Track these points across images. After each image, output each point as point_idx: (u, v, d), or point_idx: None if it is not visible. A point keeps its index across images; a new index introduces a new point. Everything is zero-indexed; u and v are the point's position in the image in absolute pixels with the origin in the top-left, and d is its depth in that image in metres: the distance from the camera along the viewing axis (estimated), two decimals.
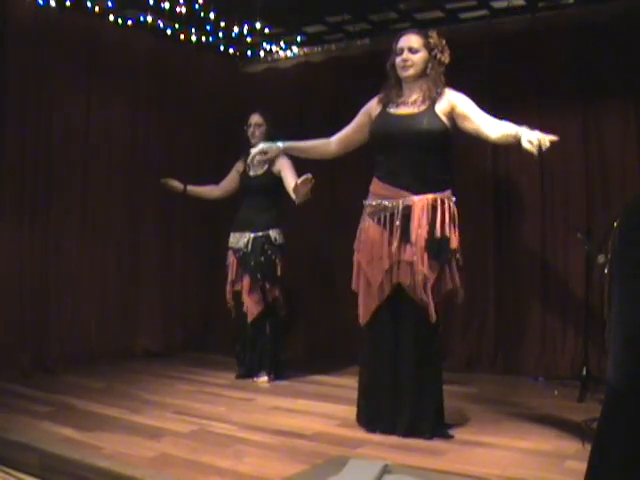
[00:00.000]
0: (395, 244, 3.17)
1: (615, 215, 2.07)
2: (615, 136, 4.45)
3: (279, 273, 4.49)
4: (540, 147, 2.86)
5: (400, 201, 3.18)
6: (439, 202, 3.16)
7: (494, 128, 3.09)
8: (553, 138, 2.86)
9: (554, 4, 4.63)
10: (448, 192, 3.23)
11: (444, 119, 3.20)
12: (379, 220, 3.23)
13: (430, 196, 3.16)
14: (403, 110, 3.27)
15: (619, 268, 1.60)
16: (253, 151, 3.61)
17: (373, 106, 3.41)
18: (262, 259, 4.44)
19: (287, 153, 3.70)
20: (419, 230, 3.13)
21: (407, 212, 3.17)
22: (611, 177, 4.46)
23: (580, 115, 4.57)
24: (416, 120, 3.20)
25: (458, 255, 3.22)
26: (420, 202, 3.15)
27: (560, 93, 4.61)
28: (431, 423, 3.15)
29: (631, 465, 1.50)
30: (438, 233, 3.13)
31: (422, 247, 3.12)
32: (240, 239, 4.56)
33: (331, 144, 3.56)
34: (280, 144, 3.55)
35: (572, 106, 4.59)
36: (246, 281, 4.48)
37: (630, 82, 4.34)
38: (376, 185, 3.30)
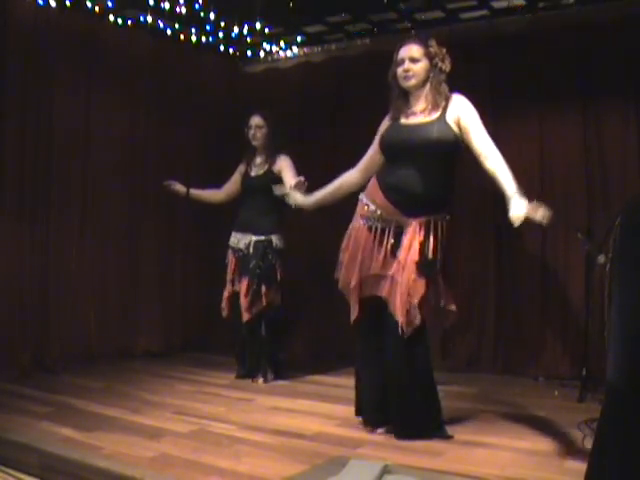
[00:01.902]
0: (381, 259, 3.18)
1: (615, 215, 2.07)
2: (615, 136, 4.45)
3: (279, 278, 4.50)
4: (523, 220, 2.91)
5: (394, 220, 3.18)
6: (432, 225, 3.15)
7: (491, 162, 3.09)
8: (545, 218, 2.93)
9: (554, 4, 4.63)
10: (444, 212, 3.21)
11: (455, 127, 3.17)
12: (370, 228, 3.23)
13: (424, 219, 3.15)
14: (413, 120, 3.25)
15: (619, 266, 1.60)
16: (282, 189, 3.64)
17: (384, 123, 3.39)
18: (262, 263, 4.44)
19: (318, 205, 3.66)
20: (409, 252, 3.12)
21: (399, 231, 3.18)
22: (611, 177, 4.46)
23: (580, 115, 4.57)
24: (427, 129, 3.17)
25: (439, 270, 3.19)
26: (413, 225, 3.14)
27: (560, 93, 4.61)
28: (425, 423, 3.15)
29: (631, 464, 1.50)
30: (429, 254, 3.13)
31: (411, 269, 3.11)
32: (241, 240, 4.55)
33: (354, 175, 3.48)
34: (310, 199, 3.53)
35: (572, 106, 4.58)
36: (244, 283, 4.47)
37: (630, 82, 4.34)
38: (374, 189, 3.27)
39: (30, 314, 4.56)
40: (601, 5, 4.50)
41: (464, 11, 4.87)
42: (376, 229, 3.21)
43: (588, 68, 4.51)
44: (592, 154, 4.54)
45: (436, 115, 3.19)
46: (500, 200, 4.64)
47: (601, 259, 3.65)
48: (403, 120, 3.28)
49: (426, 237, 3.14)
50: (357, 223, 3.31)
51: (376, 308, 3.23)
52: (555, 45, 4.62)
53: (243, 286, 4.47)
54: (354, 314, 3.28)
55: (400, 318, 3.09)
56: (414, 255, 3.12)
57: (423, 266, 3.12)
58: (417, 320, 3.10)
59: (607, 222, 3.79)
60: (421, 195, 3.14)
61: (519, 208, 2.91)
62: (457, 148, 3.21)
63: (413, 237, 3.14)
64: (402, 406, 3.16)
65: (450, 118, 3.18)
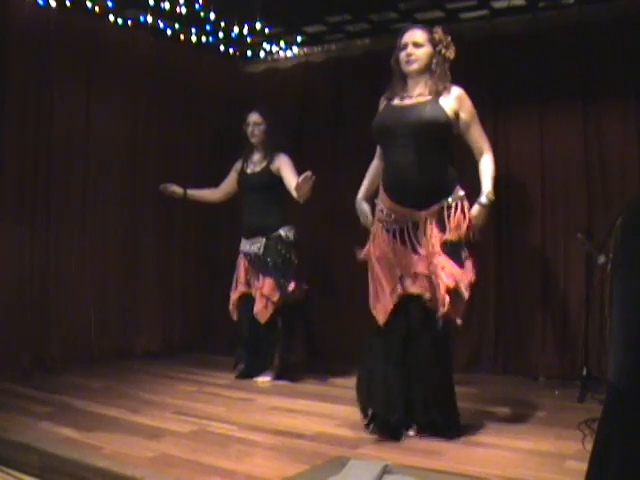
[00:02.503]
0: (408, 259, 3.16)
1: (616, 215, 2.07)
2: (615, 136, 4.45)
3: (295, 268, 4.47)
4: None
5: (409, 217, 3.17)
6: (446, 210, 3.15)
7: (481, 162, 3.22)
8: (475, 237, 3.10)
9: (554, 4, 4.63)
10: (455, 192, 3.20)
11: (448, 111, 3.18)
12: (389, 231, 3.22)
13: (437, 207, 3.15)
14: (407, 102, 3.26)
15: (620, 267, 1.60)
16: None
17: (380, 104, 3.41)
18: (279, 260, 4.41)
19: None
20: (431, 242, 3.10)
21: (416, 227, 3.17)
22: (611, 177, 4.46)
23: (580, 115, 4.57)
24: (419, 109, 3.18)
25: (472, 235, 3.17)
26: (428, 216, 3.14)
27: (560, 93, 4.61)
28: (447, 423, 3.16)
29: (632, 465, 1.49)
30: (452, 238, 3.11)
31: (441, 259, 3.07)
32: (253, 245, 4.53)
33: (379, 164, 3.51)
34: (364, 208, 3.50)
35: (572, 106, 4.58)
36: (266, 283, 4.42)
37: (630, 82, 4.34)
38: (383, 196, 3.29)
39: (30, 314, 4.56)
40: (601, 5, 4.50)
41: (464, 11, 4.87)
42: (395, 231, 3.20)
43: (588, 68, 4.51)
44: (592, 154, 4.53)
45: (429, 98, 3.21)
46: (500, 199, 4.65)
47: (601, 259, 3.65)
48: (396, 101, 3.29)
49: (444, 223, 3.12)
50: (376, 227, 3.30)
51: (402, 308, 3.19)
52: (555, 45, 4.62)
53: (267, 285, 4.42)
54: (384, 316, 3.20)
55: (442, 308, 3.06)
56: (436, 244, 3.09)
57: (448, 252, 3.09)
58: (461, 306, 3.10)
59: (607, 222, 3.79)
60: (423, 184, 3.14)
61: (474, 212, 3.18)
62: (449, 130, 3.21)
63: (431, 227, 3.12)
64: (427, 405, 3.15)
65: (445, 103, 3.19)
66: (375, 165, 3.54)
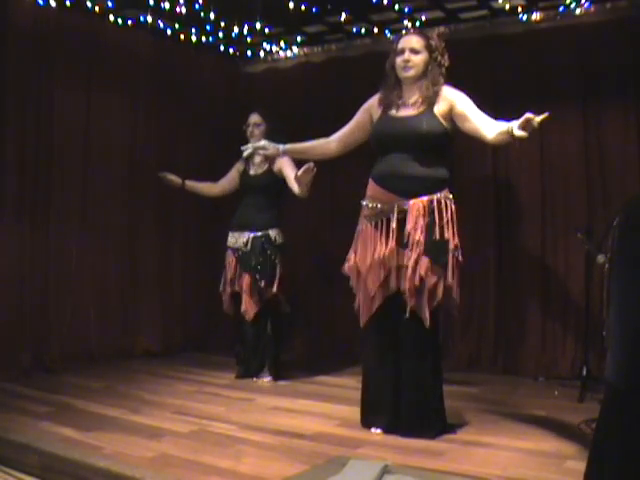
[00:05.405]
0: (392, 248, 3.15)
1: (615, 215, 2.07)
2: (615, 136, 4.45)
3: (279, 272, 4.48)
4: (532, 127, 2.77)
5: (395, 205, 3.17)
6: (435, 203, 3.14)
7: (491, 129, 3.05)
8: (544, 116, 2.77)
9: (554, 4, 4.63)
10: (445, 191, 3.21)
11: (443, 121, 3.19)
12: (376, 225, 3.22)
13: (425, 198, 3.14)
14: (403, 112, 3.27)
15: (618, 266, 1.60)
16: (252, 143, 3.61)
17: (374, 107, 3.41)
18: (261, 259, 4.44)
19: (287, 155, 3.70)
20: (415, 234, 3.10)
21: (403, 216, 3.15)
22: (611, 177, 4.47)
23: (580, 115, 4.57)
24: (416, 122, 3.19)
25: (458, 254, 3.18)
26: (415, 205, 3.13)
27: (560, 93, 4.61)
28: (433, 423, 3.15)
29: (630, 464, 1.50)
30: (437, 235, 3.11)
31: (420, 251, 3.09)
32: (239, 239, 4.56)
33: (331, 143, 3.56)
34: (281, 146, 3.56)
35: (572, 106, 4.59)
36: (246, 281, 4.47)
37: (630, 82, 4.35)
38: (371, 187, 3.30)
39: (30, 314, 4.56)
40: (601, 5, 4.50)
41: (464, 11, 4.87)
42: (381, 222, 3.20)
43: (588, 68, 4.52)
44: (592, 154, 4.54)
45: (424, 108, 3.21)
46: (500, 198, 4.65)
47: (600, 259, 3.65)
48: (393, 112, 3.29)
49: (430, 217, 3.12)
50: (362, 226, 3.31)
51: (391, 306, 3.19)
52: (555, 45, 4.62)
53: (245, 284, 4.46)
54: (366, 317, 3.23)
55: (411, 302, 3.08)
56: (420, 236, 3.09)
57: (431, 248, 3.09)
58: (426, 306, 3.07)
59: (607, 222, 3.79)
60: (414, 175, 3.15)
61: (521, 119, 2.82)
62: (446, 140, 3.23)
63: (417, 218, 3.11)
64: (412, 406, 3.15)
65: (439, 111, 3.20)
66: (325, 142, 3.56)
